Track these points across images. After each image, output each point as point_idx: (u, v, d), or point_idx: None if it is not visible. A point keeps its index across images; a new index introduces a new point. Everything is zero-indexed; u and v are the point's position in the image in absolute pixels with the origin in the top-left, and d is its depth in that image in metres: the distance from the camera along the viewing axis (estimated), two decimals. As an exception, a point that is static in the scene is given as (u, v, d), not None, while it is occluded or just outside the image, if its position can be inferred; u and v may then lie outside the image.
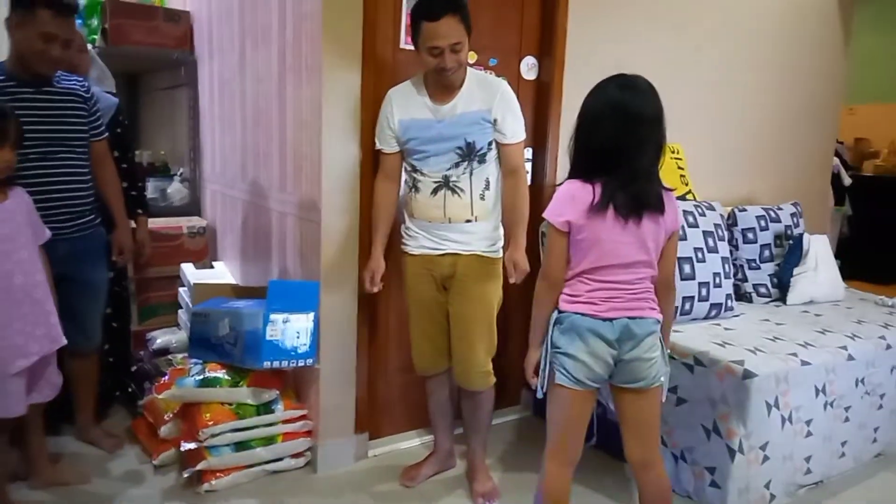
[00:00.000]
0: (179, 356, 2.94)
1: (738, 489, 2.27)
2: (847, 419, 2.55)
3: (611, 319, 1.67)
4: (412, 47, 2.35)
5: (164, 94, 4.20)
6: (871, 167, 6.23)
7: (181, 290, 3.29)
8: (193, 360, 2.58)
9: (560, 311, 1.72)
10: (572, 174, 1.71)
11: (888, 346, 2.67)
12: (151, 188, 3.66)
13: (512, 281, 2.23)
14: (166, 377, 2.62)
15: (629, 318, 1.67)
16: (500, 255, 2.28)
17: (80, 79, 2.45)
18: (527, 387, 3.04)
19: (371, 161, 2.43)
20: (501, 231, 2.31)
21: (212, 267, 3.35)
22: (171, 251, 3.37)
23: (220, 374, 2.41)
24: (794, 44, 3.80)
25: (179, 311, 3.30)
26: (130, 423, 2.73)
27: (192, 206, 3.72)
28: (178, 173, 3.83)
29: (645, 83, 1.67)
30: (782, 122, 3.83)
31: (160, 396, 2.41)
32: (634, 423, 1.77)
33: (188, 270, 3.22)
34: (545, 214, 1.72)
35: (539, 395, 1.78)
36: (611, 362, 1.69)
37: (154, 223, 3.20)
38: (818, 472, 2.49)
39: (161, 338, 3.09)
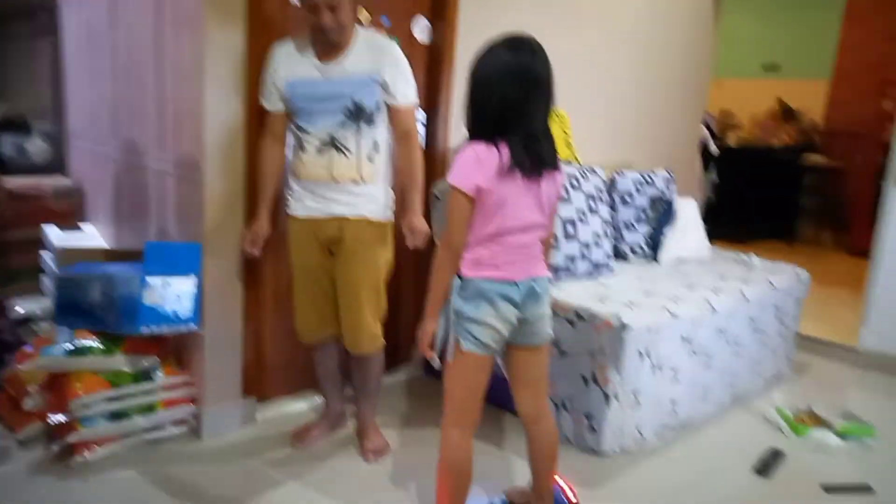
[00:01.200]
0: (44, 324, 2.74)
1: (613, 432, 2.43)
2: (709, 366, 2.79)
3: (516, 282, 1.68)
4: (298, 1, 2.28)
5: (20, 42, 3.81)
6: (735, 138, 6.73)
7: (44, 254, 3.05)
8: (60, 328, 2.41)
9: (462, 278, 1.68)
10: (472, 137, 1.67)
11: (746, 299, 2.92)
12: (8, 145, 3.33)
13: (412, 246, 2.24)
14: (29, 347, 2.43)
15: (532, 278, 1.71)
16: (391, 219, 2.27)
17: None
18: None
19: (257, 120, 2.33)
20: (392, 195, 2.29)
21: (80, 229, 3.12)
22: (34, 212, 3.12)
23: (92, 341, 2.27)
24: (668, 20, 4.01)
25: (42, 277, 3.07)
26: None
27: (56, 164, 3.43)
28: (38, 129, 3.51)
29: (535, 43, 1.67)
30: (657, 93, 4.04)
31: (22, 367, 2.24)
32: (528, 379, 1.82)
33: (53, 233, 2.98)
34: (451, 180, 1.65)
35: (436, 364, 1.75)
36: (515, 323, 1.71)
37: (13, 183, 2.94)
38: (683, 414, 2.71)
39: (23, 305, 2.86)
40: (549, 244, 1.84)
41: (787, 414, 2.80)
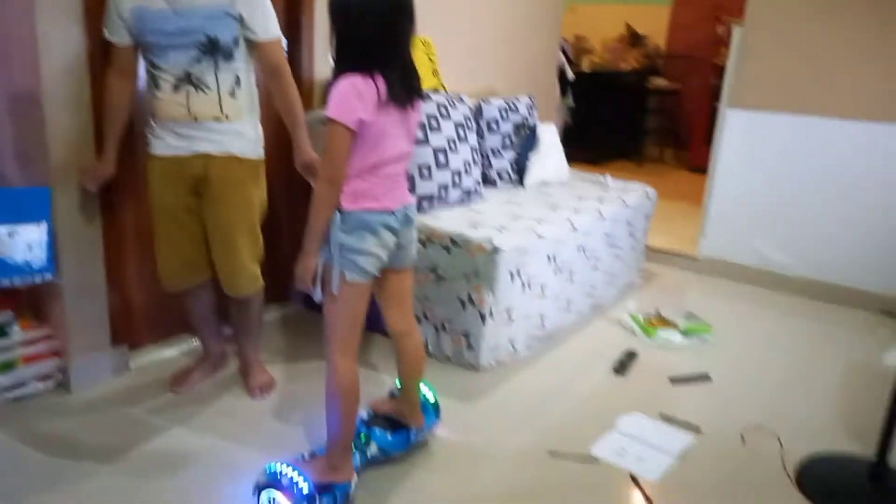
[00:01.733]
0: None
1: (489, 347, 2.60)
2: (571, 281, 3.02)
3: (393, 211, 1.74)
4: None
5: None
6: (588, 63, 7.03)
7: None
8: None
9: (343, 212, 1.68)
10: (344, 69, 1.63)
11: (602, 217, 3.16)
12: None
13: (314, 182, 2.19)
14: None
15: (405, 205, 1.78)
16: (261, 156, 2.21)
17: None
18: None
19: (102, 50, 2.14)
20: (261, 131, 2.21)
21: None
22: None
23: (-69, 299, 2.07)
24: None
25: None
26: None
27: None
28: None
29: None
30: (515, 19, 4.11)
31: None
32: (398, 298, 1.92)
33: None
34: (330, 114, 1.61)
35: (318, 298, 1.76)
36: (394, 249, 1.79)
37: None
38: (550, 326, 2.94)
39: None
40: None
41: (639, 318, 3.11)
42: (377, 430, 1.99)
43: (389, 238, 1.75)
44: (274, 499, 1.72)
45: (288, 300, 3.12)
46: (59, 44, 2.07)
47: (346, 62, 1.64)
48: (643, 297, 3.55)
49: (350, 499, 1.81)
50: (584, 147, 6.48)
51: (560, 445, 2.16)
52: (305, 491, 1.69)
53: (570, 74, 5.54)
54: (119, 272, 2.40)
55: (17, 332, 2.19)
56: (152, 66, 2.04)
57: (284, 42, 2.69)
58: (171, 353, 2.64)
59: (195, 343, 2.61)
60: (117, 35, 2.03)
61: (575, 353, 2.86)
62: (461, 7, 3.66)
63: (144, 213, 2.40)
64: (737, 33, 3.72)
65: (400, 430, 2.02)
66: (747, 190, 3.78)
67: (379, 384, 2.44)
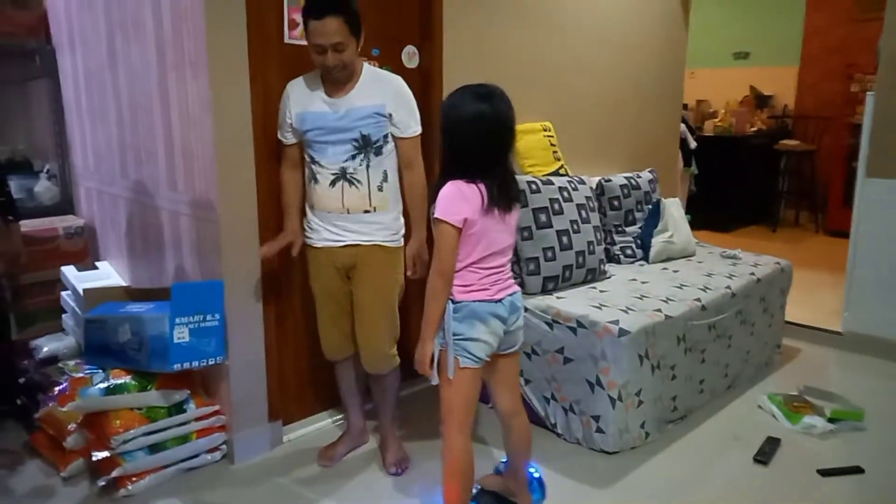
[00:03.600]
0: (71, 363, 2.85)
1: (619, 431, 2.60)
2: (703, 360, 2.97)
3: (501, 300, 1.92)
4: (296, 41, 2.41)
5: (16, 86, 3.89)
6: (712, 127, 6.93)
7: (64, 294, 3.16)
8: (90, 368, 2.53)
9: (455, 302, 1.89)
10: (450, 175, 1.86)
11: (733, 294, 3.10)
12: (16, 188, 3.42)
13: (410, 275, 2.39)
14: (63, 387, 2.55)
15: (510, 294, 1.95)
16: (401, 243, 2.42)
17: None
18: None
19: (265, 155, 2.47)
20: (402, 221, 2.43)
21: (96, 268, 3.22)
22: (47, 254, 3.21)
23: (126, 380, 2.39)
24: (641, 18, 4.17)
25: (64, 317, 3.17)
26: (29, 438, 2.64)
27: (65, 205, 3.53)
28: (45, 170, 3.60)
29: (500, 91, 1.88)
30: (636, 93, 4.20)
31: (64, 409, 2.36)
32: (507, 380, 2.06)
33: (70, 273, 3.09)
34: (439, 214, 1.84)
35: (435, 381, 1.96)
36: (503, 336, 1.95)
37: (24, 225, 3.03)
38: (682, 408, 2.89)
39: (47, 345, 2.97)
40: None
41: (780, 401, 2.98)
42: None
43: (498, 326, 1.92)
44: None
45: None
46: (232, 157, 2.41)
47: (452, 170, 1.87)
48: (783, 377, 3.39)
49: None
50: (713, 214, 6.34)
51: (698, 538, 2.12)
52: None
53: (693, 143, 5.50)
54: (275, 355, 2.66)
55: (193, 409, 2.47)
56: (312, 161, 2.33)
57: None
58: (319, 426, 2.85)
59: (339, 417, 2.81)
60: (287, 137, 2.37)
61: (711, 438, 2.78)
62: (580, 89, 3.80)
63: (299, 298, 2.67)
64: (869, 99, 3.60)
65: None
66: (892, 258, 3.55)
67: (486, 456, 2.51)
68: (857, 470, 2.51)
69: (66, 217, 3.42)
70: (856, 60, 6.39)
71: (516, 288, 1.99)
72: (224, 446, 2.57)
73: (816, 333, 3.86)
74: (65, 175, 3.57)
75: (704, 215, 6.03)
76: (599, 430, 2.61)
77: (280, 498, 2.36)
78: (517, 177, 2.04)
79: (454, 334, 1.89)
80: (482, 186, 1.85)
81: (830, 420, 2.83)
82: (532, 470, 2.23)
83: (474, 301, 1.88)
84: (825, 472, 2.50)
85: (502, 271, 1.94)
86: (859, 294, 3.70)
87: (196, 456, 2.49)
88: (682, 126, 5.09)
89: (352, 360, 2.54)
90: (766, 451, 2.62)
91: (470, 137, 1.84)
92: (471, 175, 1.85)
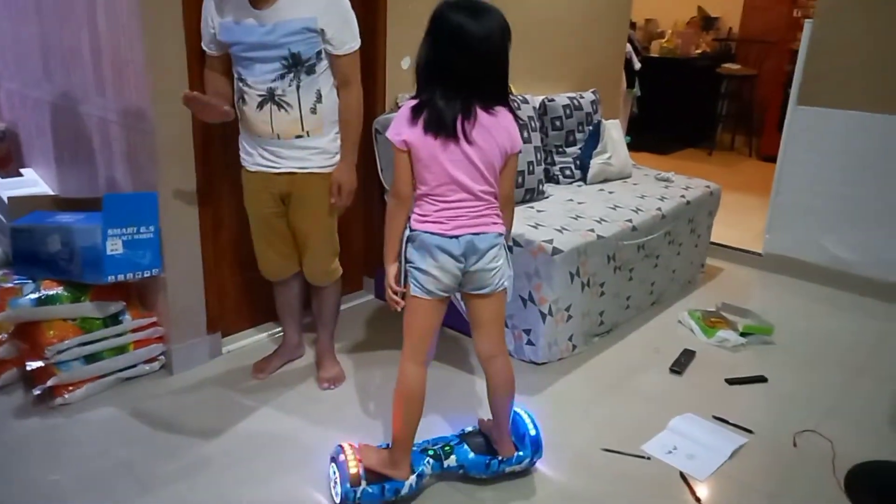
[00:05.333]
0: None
1: (549, 343, 2.75)
2: (631, 278, 3.12)
3: (457, 237, 1.79)
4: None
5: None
6: (658, 48, 6.94)
7: (-13, 202, 3.03)
8: (19, 279, 2.48)
9: (412, 230, 1.82)
10: (417, 92, 1.76)
11: (663, 216, 3.23)
12: (-74, 87, 3.21)
13: (334, 202, 2.31)
14: (-8, 298, 2.50)
15: (473, 234, 1.79)
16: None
17: None
18: (368, 274, 3.30)
19: (199, 62, 2.36)
20: (339, 142, 2.34)
21: (20, 175, 3.10)
22: (-33, 159, 3.06)
23: (58, 290, 2.36)
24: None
25: (-12, 225, 3.06)
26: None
27: (-18, 107, 3.33)
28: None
29: (482, 6, 1.70)
30: (582, 12, 4.11)
31: (-6, 319, 2.33)
32: (481, 322, 1.94)
33: (-7, 181, 2.96)
34: (387, 133, 1.80)
35: (401, 308, 1.91)
36: (458, 274, 1.83)
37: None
38: (609, 323, 3.06)
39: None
40: (507, 201, 1.89)
41: (698, 317, 3.18)
42: (463, 446, 2.05)
43: (448, 262, 1.80)
44: (333, 471, 1.94)
45: (362, 290, 3.35)
46: (163, 61, 2.30)
47: (417, 85, 1.77)
48: (704, 294, 3.60)
49: (399, 496, 1.94)
50: (654, 136, 6.46)
51: (613, 442, 2.30)
52: (352, 471, 1.86)
53: (637, 64, 5.52)
54: (212, 267, 2.65)
55: (129, 320, 2.48)
56: (240, 78, 2.21)
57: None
58: (257, 339, 2.91)
59: (277, 330, 2.86)
60: (210, 46, 2.23)
61: (633, 351, 2.97)
62: (527, 6, 3.73)
63: (235, 213, 2.65)
64: (807, 27, 3.67)
65: (485, 454, 2.05)
66: (815, 185, 3.74)
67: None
68: (761, 379, 2.75)
69: (-15, 120, 3.24)
70: (802, -15, 6.43)
71: (487, 229, 1.82)
72: (162, 357, 2.59)
73: (739, 254, 4.08)
74: (-19, 75, 3.35)
75: (645, 137, 6.14)
76: (530, 343, 2.75)
77: (218, 406, 2.43)
78: (504, 109, 1.79)
79: (407, 261, 1.84)
80: (428, 108, 1.72)
81: (742, 334, 3.05)
82: (529, 425, 2.09)
83: (426, 232, 1.80)
84: (732, 381, 2.72)
85: (466, 207, 1.79)
86: (781, 217, 3.90)
87: (134, 366, 2.51)
88: (628, 46, 5.08)
89: (291, 279, 2.55)
90: (682, 362, 2.83)
91: (431, 51, 1.71)
92: (428, 94, 1.72)
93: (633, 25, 5.89)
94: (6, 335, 2.41)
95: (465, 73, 1.70)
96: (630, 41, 5.18)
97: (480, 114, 1.74)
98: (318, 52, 2.19)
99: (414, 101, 1.76)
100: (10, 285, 2.45)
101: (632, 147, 3.95)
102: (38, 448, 2.16)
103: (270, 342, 2.88)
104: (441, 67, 1.71)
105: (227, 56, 2.25)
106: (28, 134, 3.16)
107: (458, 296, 1.99)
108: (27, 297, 2.34)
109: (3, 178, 3.00)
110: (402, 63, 3.06)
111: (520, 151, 1.85)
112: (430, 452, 2.02)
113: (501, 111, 1.78)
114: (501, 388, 2.00)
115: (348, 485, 1.86)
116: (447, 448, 2.05)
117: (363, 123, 2.36)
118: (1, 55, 3.21)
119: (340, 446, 1.95)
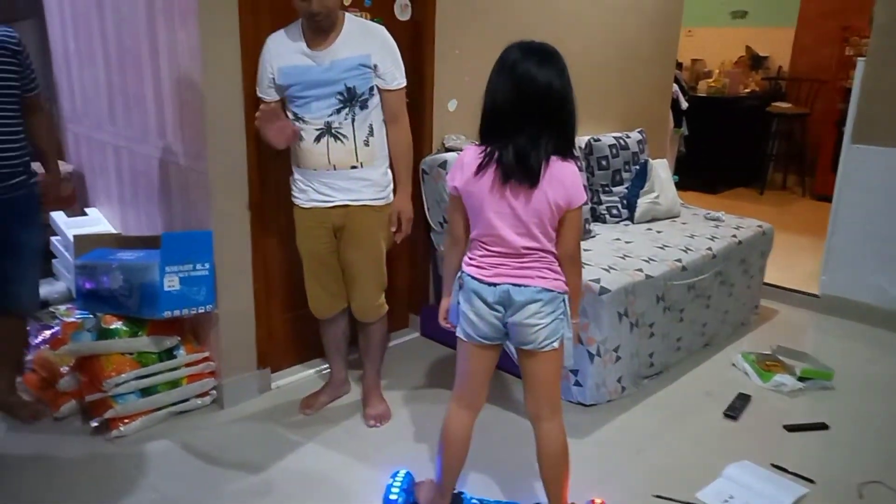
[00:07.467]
0: (62, 308, 2.90)
1: (597, 385, 2.70)
2: (682, 319, 3.05)
3: (494, 284, 1.72)
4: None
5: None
6: (705, 87, 6.90)
7: (53, 239, 3.18)
8: (82, 313, 2.58)
9: (462, 270, 1.81)
10: (480, 135, 1.72)
11: (714, 256, 3.17)
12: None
13: (394, 232, 2.41)
14: (55, 331, 2.60)
15: (512, 284, 1.71)
16: (391, 199, 2.43)
17: (10, 31, 2.26)
18: (413, 311, 3.32)
19: (254, 107, 2.46)
20: (390, 176, 2.43)
21: (85, 214, 3.24)
22: (37, 199, 3.21)
23: (118, 325, 2.44)
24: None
25: (54, 262, 3.20)
26: (22, 379, 2.69)
27: (53, 149, 3.51)
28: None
29: (548, 53, 1.66)
30: (630, 53, 4.14)
31: (57, 352, 2.41)
32: (528, 379, 1.84)
33: (60, 219, 3.10)
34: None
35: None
36: (497, 324, 1.76)
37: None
38: (659, 364, 2.99)
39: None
40: (567, 258, 1.75)
41: (753, 360, 3.08)
42: None
43: (483, 309, 1.75)
44: (386, 496, 2.01)
45: (408, 327, 3.36)
46: (222, 107, 2.41)
47: (480, 130, 1.72)
48: (758, 336, 3.49)
49: None
50: (702, 176, 6.37)
51: (665, 489, 2.23)
52: (390, 497, 1.97)
53: (684, 104, 5.49)
54: (263, 304, 2.71)
55: (183, 355, 2.54)
56: (296, 118, 2.30)
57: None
58: (305, 375, 2.93)
59: (325, 366, 2.89)
60: (267, 93, 2.32)
61: (685, 394, 2.89)
62: (573, 47, 3.76)
63: (285, 252, 2.71)
64: (860, 65, 3.61)
65: None
66: (872, 224, 3.63)
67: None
68: (822, 426, 2.63)
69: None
70: (852, 23, 6.34)
71: (531, 282, 1.70)
72: (214, 391, 2.64)
73: (794, 295, 3.96)
74: (52, 119, 3.54)
75: (693, 176, 6.07)
76: (577, 384, 2.71)
77: (266, 441, 2.45)
78: (562, 162, 1.66)
79: (457, 301, 1.83)
80: (489, 154, 1.66)
81: (800, 379, 2.94)
82: None
83: (467, 274, 1.77)
84: (791, 428, 2.61)
85: (511, 258, 1.71)
86: (837, 258, 3.78)
87: (186, 400, 2.56)
88: (675, 86, 5.08)
89: (338, 316, 2.59)
90: (736, 407, 2.73)
91: (490, 94, 1.67)
92: (485, 138, 1.69)
93: (679, 66, 5.88)
94: (67, 368, 2.49)
95: (523, 121, 1.64)
96: (676, 81, 5.18)
97: (538, 167, 1.64)
98: (371, 88, 2.29)
99: (473, 147, 1.75)
100: (72, 319, 2.55)
101: (680, 186, 3.91)
102: (91, 479, 2.21)
103: (318, 378, 2.90)
104: (501, 115, 1.66)
105: (280, 103, 2.34)
106: (92, 174, 3.32)
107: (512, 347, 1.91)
108: (87, 331, 2.42)
109: (69, 216, 3.14)
110: (448, 105, 3.12)
111: (582, 205, 1.71)
112: (482, 507, 1.99)
113: (560, 163, 1.67)
114: (545, 458, 1.86)
115: None
116: None
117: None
118: (70, 100, 3.39)
119: (397, 472, 2.02)
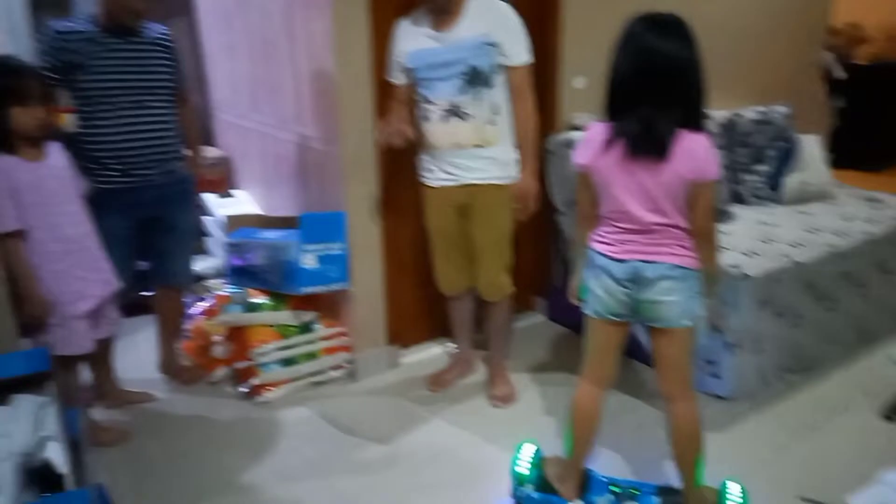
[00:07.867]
0: (214, 282, 3.15)
1: (736, 376, 2.55)
2: (834, 310, 2.81)
3: (623, 261, 1.71)
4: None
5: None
6: (863, 54, 6.25)
7: (205, 219, 3.45)
8: (232, 287, 2.78)
9: (590, 247, 1.81)
10: (603, 113, 1.70)
11: (872, 241, 2.88)
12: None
13: (519, 209, 2.40)
14: (209, 303, 2.83)
15: (643, 261, 1.69)
16: (516, 178, 2.41)
17: (164, 28, 2.49)
18: (539, 294, 3.29)
19: (381, 91, 2.51)
20: (516, 154, 2.40)
21: (232, 196, 3.49)
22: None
23: (262, 299, 2.63)
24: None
25: (205, 239, 3.48)
26: (182, 346, 2.96)
27: (204, 135, 3.80)
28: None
29: (672, 24, 1.60)
30: (770, 19, 3.79)
31: (211, 322, 2.64)
32: (658, 359, 1.83)
33: (211, 200, 3.36)
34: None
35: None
36: (626, 300, 1.74)
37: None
38: (807, 358, 2.77)
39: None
40: (700, 234, 1.70)
41: (916, 356, 2.79)
42: (652, 499, 1.91)
43: (611, 285, 1.74)
44: (512, 468, 2.00)
45: (534, 311, 3.33)
46: (353, 93, 2.48)
47: (603, 106, 1.71)
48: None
49: None
50: (861, 152, 5.78)
51: (813, 491, 2.08)
52: (517, 469, 1.95)
53: (840, 73, 5.01)
54: (394, 282, 2.80)
55: (320, 329, 2.68)
56: (423, 99, 2.34)
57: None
58: (432, 352, 3.01)
59: (450, 345, 2.94)
60: (397, 77, 2.38)
61: (835, 391, 2.67)
62: (708, 14, 3.52)
63: (414, 229, 2.77)
64: None
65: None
66: None
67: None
68: None
69: (206, 147, 3.68)
70: None
71: (662, 258, 1.68)
72: (348, 364, 2.77)
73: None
74: (204, 108, 3.82)
75: (850, 153, 5.53)
76: (714, 375, 2.57)
77: (395, 414, 2.55)
78: (693, 135, 1.61)
79: (584, 277, 1.85)
80: (609, 129, 1.66)
81: (975, 380, 2.63)
82: (735, 492, 1.87)
83: (597, 252, 1.77)
84: (962, 434, 2.35)
85: (641, 234, 1.69)
86: None
87: (323, 371, 2.71)
88: (827, 55, 4.64)
89: (466, 294, 2.63)
90: (895, 408, 2.49)
91: (613, 68, 1.64)
92: (610, 113, 1.67)
93: (832, 31, 5.36)
94: (220, 337, 2.71)
95: (648, 95, 1.61)
96: (830, 48, 4.73)
97: (665, 139, 1.60)
98: (495, 67, 2.28)
99: (598, 124, 1.72)
100: (224, 293, 2.76)
101: (834, 164, 3.57)
102: (238, 440, 2.41)
103: (445, 356, 2.96)
104: (625, 89, 1.64)
105: (409, 87, 2.38)
106: (239, 159, 3.56)
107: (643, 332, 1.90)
108: (236, 304, 2.62)
109: (219, 198, 3.39)
110: (574, 83, 3.04)
111: (715, 180, 1.65)
112: (615, 489, 1.96)
113: (689, 135, 1.61)
114: (677, 437, 1.84)
115: (516, 482, 1.95)
116: (634, 491, 1.96)
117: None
118: (219, 91, 3.65)
119: (521, 444, 2.02)
